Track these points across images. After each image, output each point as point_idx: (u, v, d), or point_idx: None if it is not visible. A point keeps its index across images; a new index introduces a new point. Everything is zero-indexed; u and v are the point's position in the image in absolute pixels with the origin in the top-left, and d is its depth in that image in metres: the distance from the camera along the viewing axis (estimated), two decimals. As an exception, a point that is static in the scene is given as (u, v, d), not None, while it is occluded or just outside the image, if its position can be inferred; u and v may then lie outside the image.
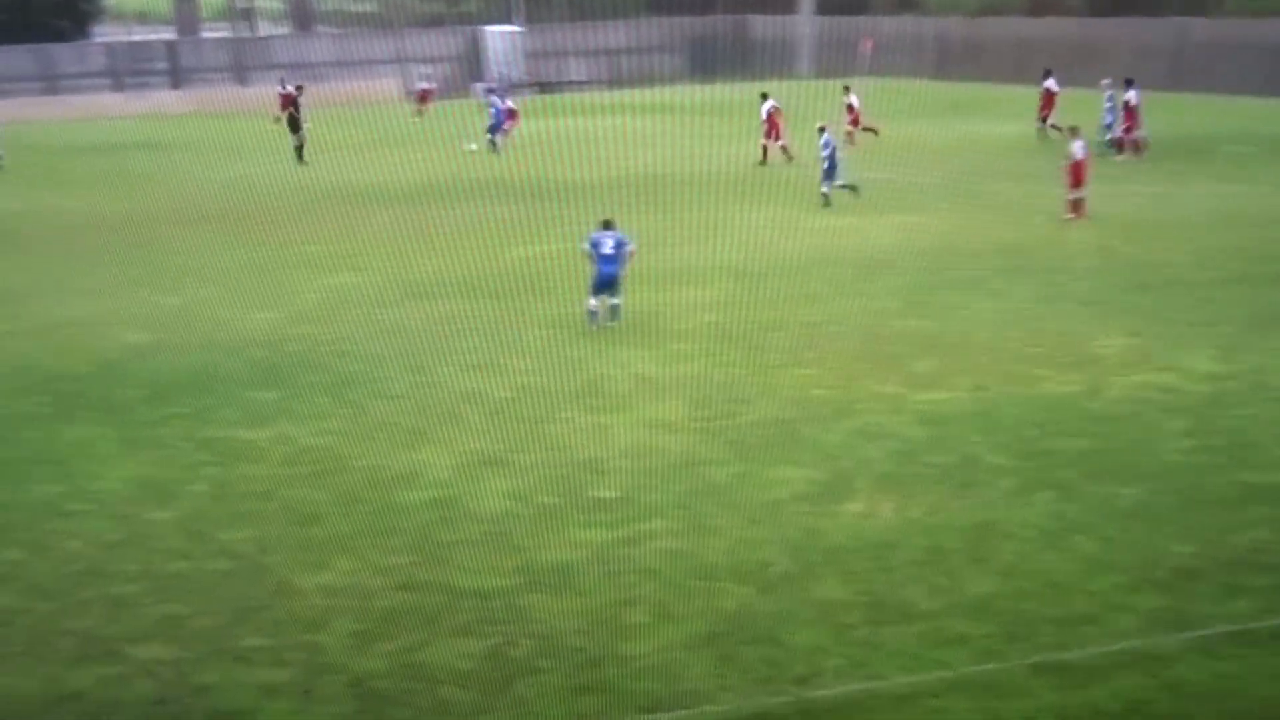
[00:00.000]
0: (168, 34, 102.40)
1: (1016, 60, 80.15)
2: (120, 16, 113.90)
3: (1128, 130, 50.47)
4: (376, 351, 27.47)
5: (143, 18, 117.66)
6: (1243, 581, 16.46)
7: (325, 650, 15.57)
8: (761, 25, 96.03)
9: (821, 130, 43.75)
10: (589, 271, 29.08)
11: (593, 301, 28.81)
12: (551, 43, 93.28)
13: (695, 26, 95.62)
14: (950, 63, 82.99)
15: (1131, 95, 50.34)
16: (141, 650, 15.62)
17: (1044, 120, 55.74)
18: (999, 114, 53.59)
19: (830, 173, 43.29)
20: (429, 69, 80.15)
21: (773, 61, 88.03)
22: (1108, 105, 51.90)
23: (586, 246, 29.03)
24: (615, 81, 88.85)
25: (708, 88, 74.10)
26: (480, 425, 23.05)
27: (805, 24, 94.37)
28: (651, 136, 55.39)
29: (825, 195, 42.79)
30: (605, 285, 28.78)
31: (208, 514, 19.61)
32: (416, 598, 16.77)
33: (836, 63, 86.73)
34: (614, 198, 42.21)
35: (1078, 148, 39.06)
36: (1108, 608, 15.89)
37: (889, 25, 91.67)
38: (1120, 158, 49.54)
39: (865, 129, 53.71)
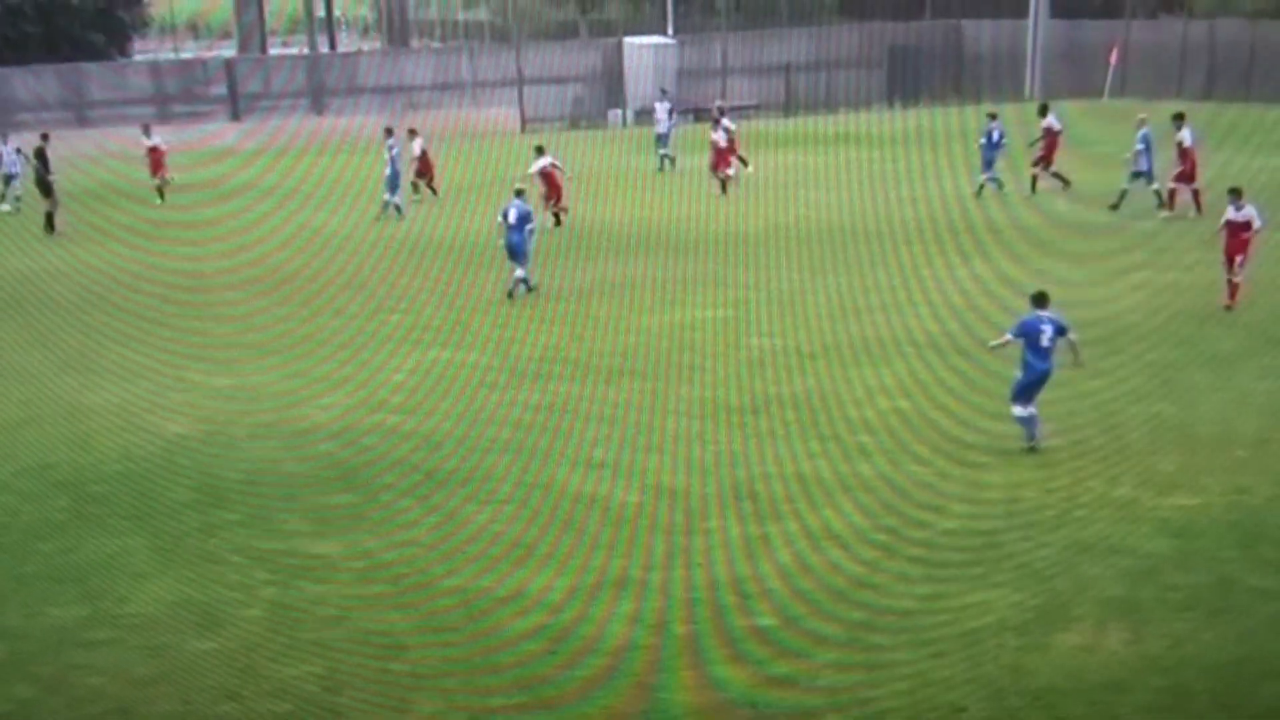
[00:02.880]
0: (226, 50, 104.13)
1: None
2: (168, 29, 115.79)
3: (1181, 178, 48.55)
4: (475, 445, 27.86)
5: (196, 31, 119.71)
6: None
7: (403, 814, 15.88)
8: (979, 33, 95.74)
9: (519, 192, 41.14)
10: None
11: (1024, 409, 26.78)
12: (711, 57, 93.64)
13: (897, 35, 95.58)
14: (1221, 78, 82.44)
15: (1186, 135, 48.55)
16: (176, 814, 16.05)
17: (1044, 166, 54.67)
18: (1274, 143, 52.97)
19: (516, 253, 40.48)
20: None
21: (992, 78, 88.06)
22: (1139, 148, 50.08)
23: (1011, 335, 27.00)
24: (791, 106, 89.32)
25: (910, 113, 74.33)
26: (603, 537, 23.32)
27: (1036, 31, 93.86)
28: (834, 176, 55.75)
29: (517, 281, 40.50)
30: (1037, 386, 26.74)
31: (263, 644, 19.97)
32: (518, 749, 17.05)
33: (1074, 80, 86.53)
34: (784, 252, 42.81)
35: (1248, 212, 36.40)
36: None
37: (1144, 32, 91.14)
38: (1164, 213, 48.59)
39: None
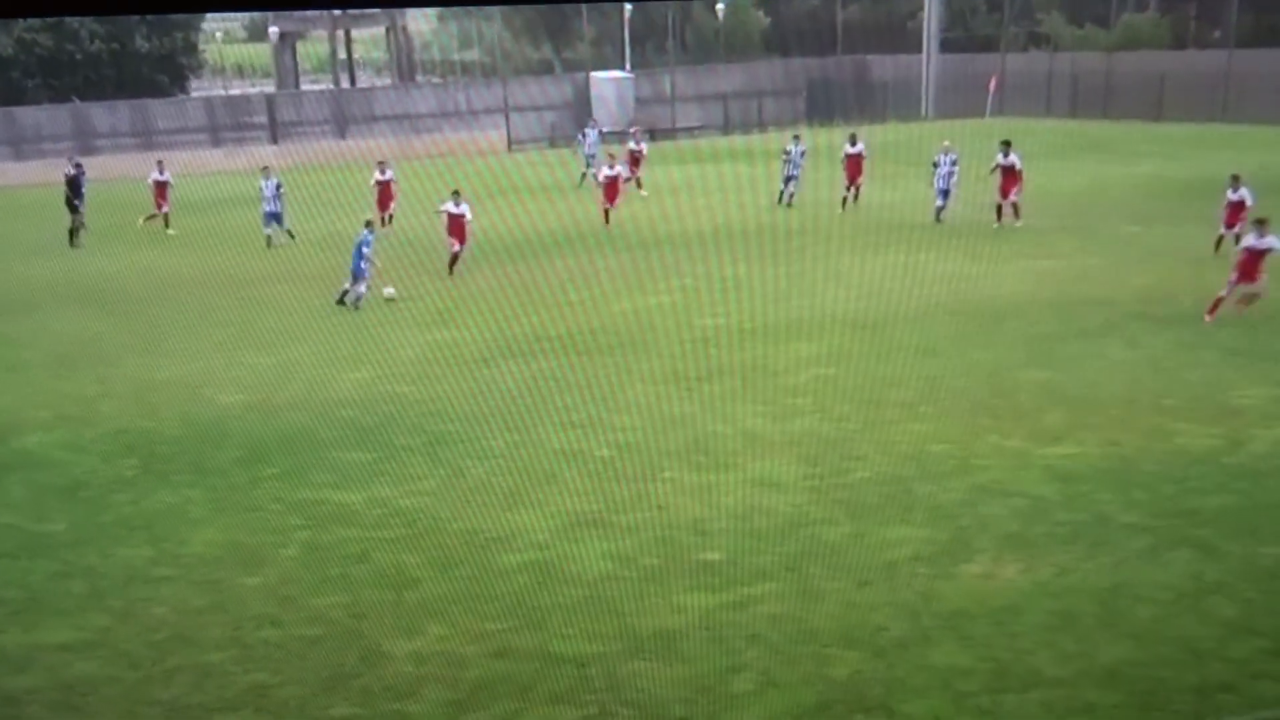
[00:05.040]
0: (266, 87, 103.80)
1: (1155, 97, 79.69)
2: (219, 70, 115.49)
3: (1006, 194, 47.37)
4: (473, 411, 27.49)
5: (241, 72, 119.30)
6: (1398, 646, 16.07)
7: (416, 720, 15.52)
8: (882, 66, 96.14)
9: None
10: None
11: None
12: (662, 88, 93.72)
13: (814, 69, 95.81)
14: (1083, 101, 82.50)
15: (1014, 158, 47.26)
16: (228, 721, 15.65)
17: (852, 189, 53.23)
18: (1133, 153, 52.72)
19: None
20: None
21: (893, 103, 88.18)
22: (945, 170, 49.09)
23: None
24: (728, 127, 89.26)
25: (826, 131, 74.05)
26: (580, 485, 22.91)
27: (928, 64, 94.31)
28: (766, 183, 55.35)
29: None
30: None
31: (298, 578, 19.59)
32: (511, 665, 16.64)
33: (961, 103, 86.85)
34: (725, 247, 42.48)
35: (1269, 241, 33.00)
36: (1248, 675, 15.52)
37: (1017, 63, 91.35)
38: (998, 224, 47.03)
39: None
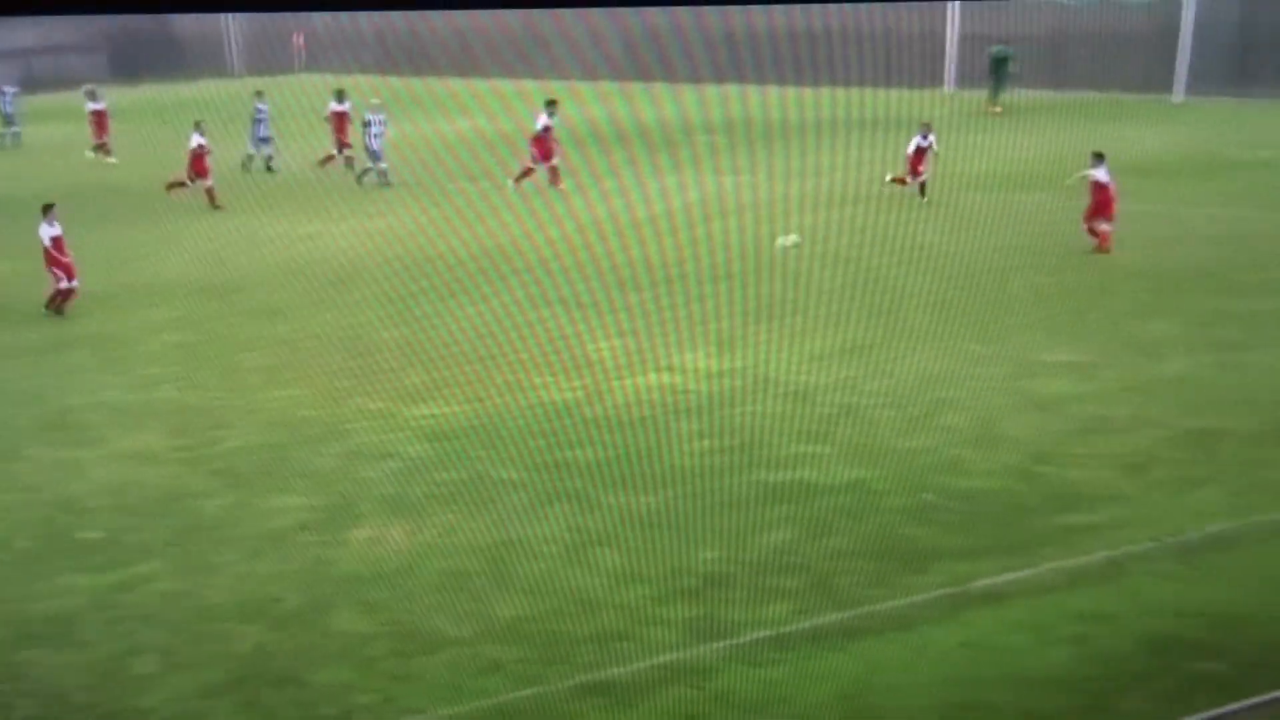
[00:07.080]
0: None
1: (464, 53, 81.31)
2: None
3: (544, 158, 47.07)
4: None
5: None
6: (772, 584, 17.05)
7: None
8: (183, 21, 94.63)
9: None
10: None
11: None
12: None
13: (112, 23, 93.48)
14: (392, 57, 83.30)
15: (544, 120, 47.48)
16: None
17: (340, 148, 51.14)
18: (447, 110, 53.31)
19: None
20: None
21: (202, 60, 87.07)
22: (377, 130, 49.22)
23: None
24: (27, 86, 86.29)
25: (134, 90, 72.56)
26: (-65, 469, 22.02)
27: (230, 19, 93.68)
28: (75, 146, 53.98)
29: None
30: None
31: None
32: (-111, 663, 15.97)
33: (269, 59, 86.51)
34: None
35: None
36: (641, 621, 16.27)
37: (324, 20, 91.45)
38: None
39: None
